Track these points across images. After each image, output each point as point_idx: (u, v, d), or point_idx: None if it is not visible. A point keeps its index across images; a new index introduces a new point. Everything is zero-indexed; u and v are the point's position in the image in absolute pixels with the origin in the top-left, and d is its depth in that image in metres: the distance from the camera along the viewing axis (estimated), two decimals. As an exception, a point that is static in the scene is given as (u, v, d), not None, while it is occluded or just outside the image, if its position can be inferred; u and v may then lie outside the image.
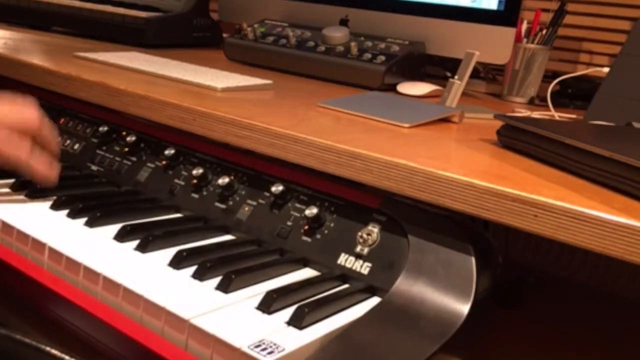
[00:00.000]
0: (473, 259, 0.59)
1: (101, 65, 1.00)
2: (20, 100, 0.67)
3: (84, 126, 0.92)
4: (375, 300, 0.62)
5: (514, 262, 0.85)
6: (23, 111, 0.67)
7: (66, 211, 0.73)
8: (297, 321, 0.55)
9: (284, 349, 0.51)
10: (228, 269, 0.61)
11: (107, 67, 0.99)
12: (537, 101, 1.17)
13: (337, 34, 1.16)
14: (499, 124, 0.73)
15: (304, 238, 0.68)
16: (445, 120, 0.86)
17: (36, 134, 0.68)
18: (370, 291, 0.63)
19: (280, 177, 0.73)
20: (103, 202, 0.76)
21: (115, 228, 0.69)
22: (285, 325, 0.55)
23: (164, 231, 0.69)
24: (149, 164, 0.83)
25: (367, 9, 1.24)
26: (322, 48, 1.16)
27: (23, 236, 0.67)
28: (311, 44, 1.18)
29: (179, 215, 0.78)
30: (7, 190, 0.78)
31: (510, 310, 0.74)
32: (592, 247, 0.50)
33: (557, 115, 0.96)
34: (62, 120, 0.94)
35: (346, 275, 0.65)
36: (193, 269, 0.62)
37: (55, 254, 0.64)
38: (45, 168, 0.68)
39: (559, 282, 0.85)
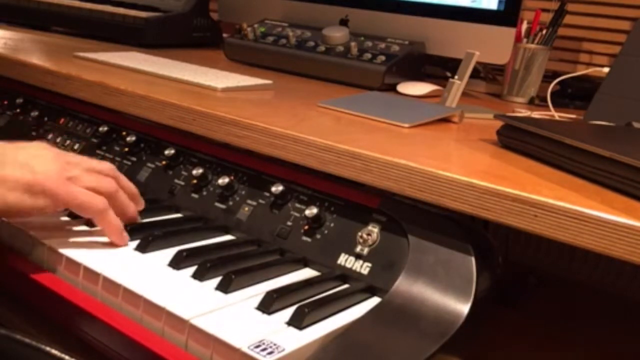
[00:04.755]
0: (473, 259, 0.59)
1: (101, 65, 1.00)
2: (98, 165, 0.67)
3: (84, 126, 0.92)
4: (375, 300, 0.62)
5: (514, 262, 0.85)
6: (99, 178, 0.66)
7: (66, 212, 0.73)
8: (297, 321, 0.55)
9: (284, 349, 0.51)
10: (228, 269, 0.61)
11: (106, 67, 0.99)
12: (537, 101, 1.17)
13: (337, 34, 1.16)
14: (499, 124, 0.73)
15: (304, 238, 0.68)
16: (445, 120, 0.86)
17: (111, 197, 0.65)
18: (370, 291, 0.63)
19: (280, 177, 0.73)
20: (103, 202, 0.76)
21: (115, 228, 0.69)
22: (285, 325, 0.55)
23: (164, 231, 0.69)
24: (149, 164, 0.83)
25: (367, 9, 1.24)
26: (322, 48, 1.16)
27: (23, 236, 0.67)
28: (311, 44, 1.18)
29: (179, 215, 0.78)
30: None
31: (510, 310, 0.74)
32: (592, 247, 0.50)
33: (557, 115, 0.96)
34: (62, 120, 0.94)
35: (346, 275, 0.65)
36: (193, 269, 0.62)
37: (54, 255, 0.64)
38: (114, 233, 0.65)
39: (559, 282, 0.85)
